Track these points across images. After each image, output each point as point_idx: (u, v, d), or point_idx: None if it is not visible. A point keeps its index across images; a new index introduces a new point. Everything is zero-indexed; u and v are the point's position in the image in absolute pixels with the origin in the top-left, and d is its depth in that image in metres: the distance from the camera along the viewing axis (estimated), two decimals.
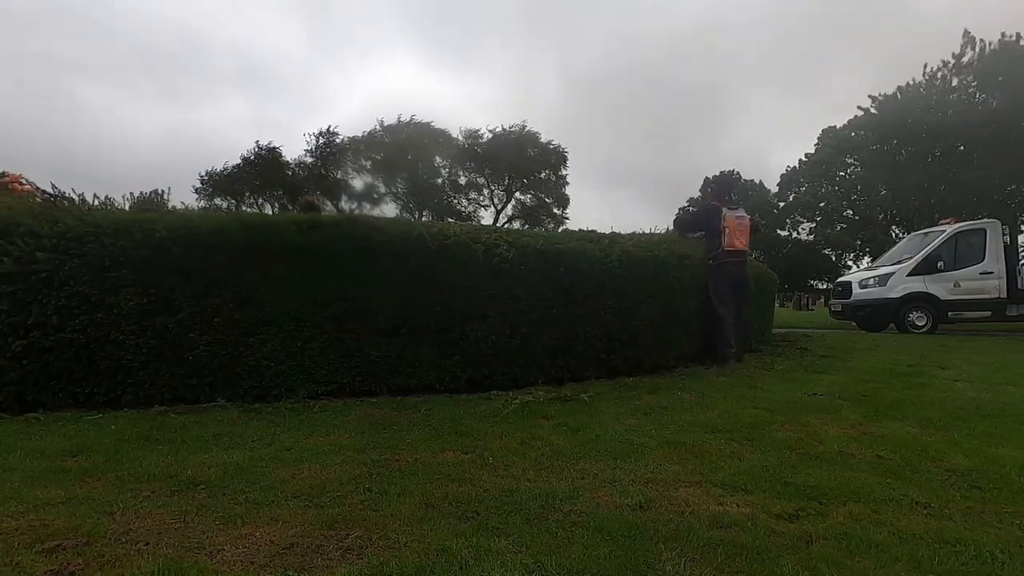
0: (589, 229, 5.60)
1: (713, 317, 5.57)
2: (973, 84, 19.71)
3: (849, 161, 32.24)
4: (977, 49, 19.41)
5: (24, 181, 4.69)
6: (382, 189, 30.62)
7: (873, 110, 22.82)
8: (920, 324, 10.66)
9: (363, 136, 29.36)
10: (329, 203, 28.38)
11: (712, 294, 5.60)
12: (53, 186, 4.55)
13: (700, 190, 54.39)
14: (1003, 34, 18.68)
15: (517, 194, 32.48)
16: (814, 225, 40.60)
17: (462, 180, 31.81)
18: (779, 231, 46.41)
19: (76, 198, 4.24)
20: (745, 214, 6.07)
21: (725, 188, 6.84)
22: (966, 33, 19.97)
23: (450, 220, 20.33)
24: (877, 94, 22.80)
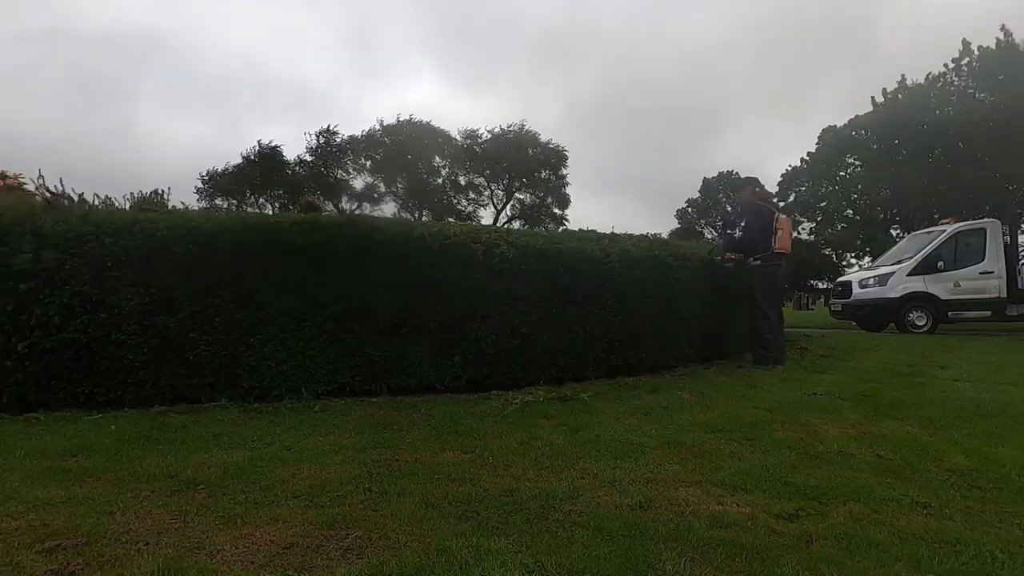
0: (589, 229, 5.61)
1: (760, 318, 5.60)
2: (973, 85, 19.73)
3: (850, 160, 32.23)
4: (976, 53, 19.46)
5: (26, 180, 4.69)
6: (382, 189, 30.64)
7: (881, 105, 22.86)
8: (920, 324, 10.65)
9: (362, 136, 29.38)
10: (329, 203, 28.40)
11: (759, 295, 5.58)
12: (55, 185, 4.55)
13: (700, 191, 54.40)
14: (1003, 31, 18.69)
15: (517, 194, 32.51)
16: (815, 225, 40.57)
17: (462, 180, 31.85)
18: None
19: (76, 197, 4.24)
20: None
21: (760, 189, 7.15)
22: (964, 42, 20.07)
23: (450, 220, 20.35)
24: (887, 89, 22.85)
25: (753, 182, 6.56)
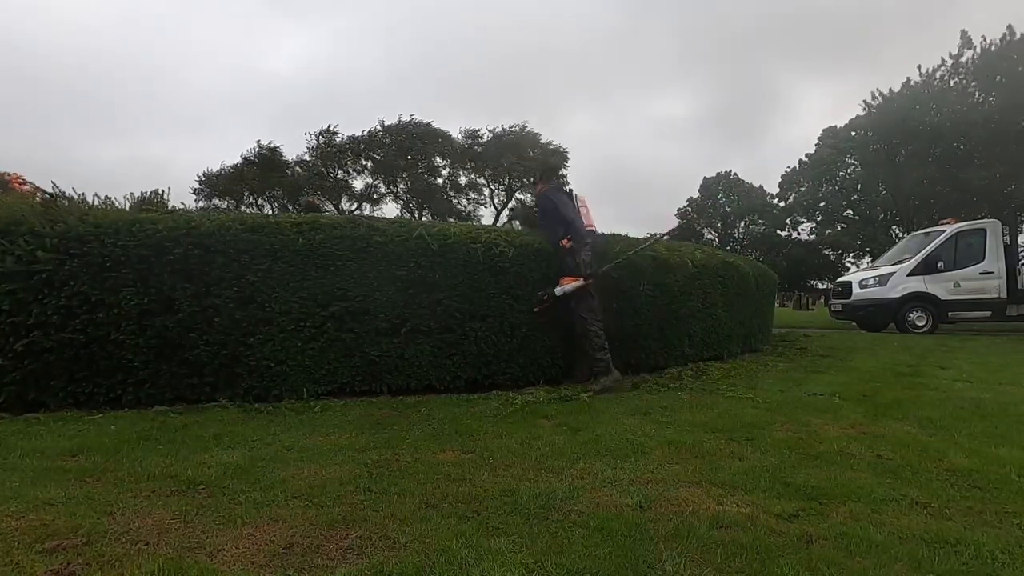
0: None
1: (584, 325, 4.32)
2: (972, 84, 19.65)
3: (849, 161, 32.22)
4: (977, 49, 19.34)
5: (23, 180, 4.70)
6: (383, 189, 30.63)
7: (874, 110, 22.78)
8: (920, 324, 10.67)
9: (363, 136, 29.34)
10: (329, 203, 28.40)
11: (581, 294, 4.32)
12: (53, 185, 4.55)
13: (700, 190, 54.41)
14: (1005, 31, 18.61)
15: (517, 194, 32.49)
16: (814, 225, 40.61)
17: (462, 180, 31.84)
18: (779, 231, 46.56)
19: (76, 197, 4.25)
20: None
21: (552, 173, 6.07)
22: (963, 34, 19.91)
23: (450, 220, 20.33)
24: (877, 92, 22.72)
25: (545, 172, 5.07)
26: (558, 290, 4.31)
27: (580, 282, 4.31)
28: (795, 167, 40.64)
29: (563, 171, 31.56)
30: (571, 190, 4.89)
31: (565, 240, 4.41)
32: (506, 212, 32.14)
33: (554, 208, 4.59)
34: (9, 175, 4.84)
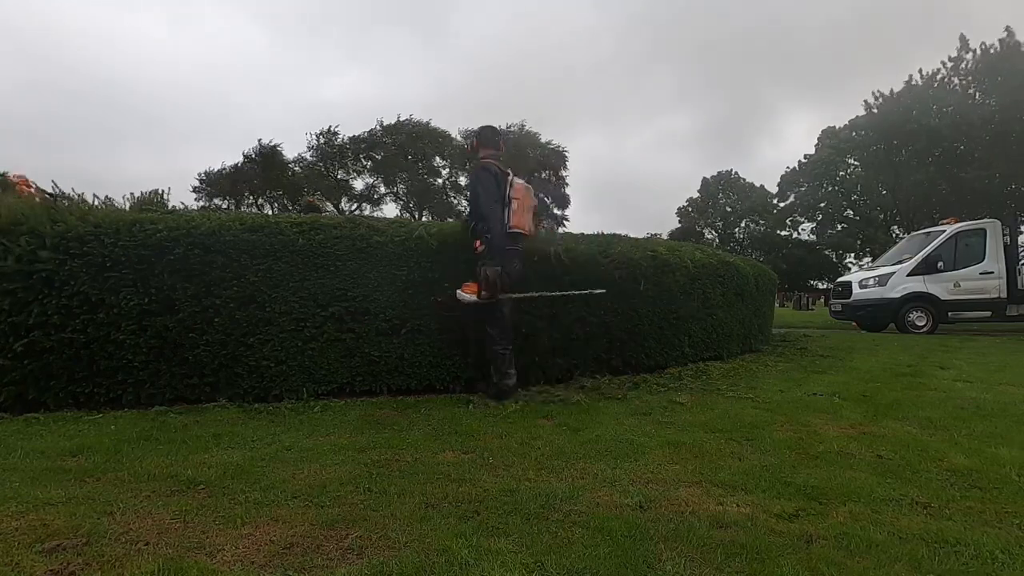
0: (600, 232, 5.60)
1: (490, 345, 3.82)
2: (972, 85, 19.69)
3: (849, 161, 32.25)
4: (979, 50, 19.37)
5: (30, 183, 4.71)
6: (382, 189, 30.65)
7: (875, 110, 22.79)
8: (920, 324, 10.67)
9: (363, 136, 29.34)
10: (329, 204, 28.40)
11: (484, 298, 3.67)
12: (54, 184, 4.55)
13: (699, 189, 54.40)
14: (1006, 31, 18.63)
15: None
16: (814, 225, 40.67)
17: (462, 180, 31.84)
18: (779, 231, 46.60)
19: (76, 197, 4.25)
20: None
21: (494, 138, 4.10)
22: (962, 38, 19.97)
23: (450, 220, 20.32)
24: (877, 92, 22.75)
25: (484, 133, 4.13)
26: (459, 294, 3.71)
27: (474, 298, 3.62)
28: (795, 167, 40.66)
29: (563, 172, 31.59)
30: (508, 172, 3.89)
31: (477, 243, 3.69)
32: None
33: (474, 195, 3.77)
34: (16, 176, 4.83)
